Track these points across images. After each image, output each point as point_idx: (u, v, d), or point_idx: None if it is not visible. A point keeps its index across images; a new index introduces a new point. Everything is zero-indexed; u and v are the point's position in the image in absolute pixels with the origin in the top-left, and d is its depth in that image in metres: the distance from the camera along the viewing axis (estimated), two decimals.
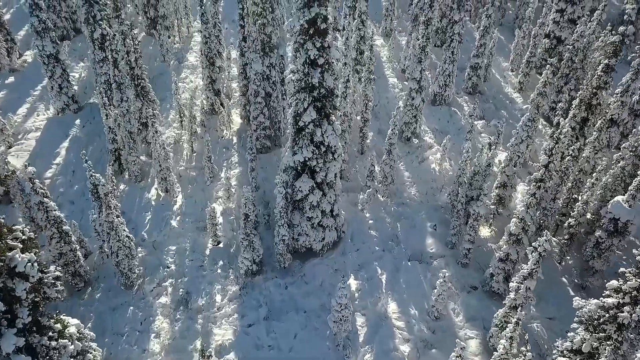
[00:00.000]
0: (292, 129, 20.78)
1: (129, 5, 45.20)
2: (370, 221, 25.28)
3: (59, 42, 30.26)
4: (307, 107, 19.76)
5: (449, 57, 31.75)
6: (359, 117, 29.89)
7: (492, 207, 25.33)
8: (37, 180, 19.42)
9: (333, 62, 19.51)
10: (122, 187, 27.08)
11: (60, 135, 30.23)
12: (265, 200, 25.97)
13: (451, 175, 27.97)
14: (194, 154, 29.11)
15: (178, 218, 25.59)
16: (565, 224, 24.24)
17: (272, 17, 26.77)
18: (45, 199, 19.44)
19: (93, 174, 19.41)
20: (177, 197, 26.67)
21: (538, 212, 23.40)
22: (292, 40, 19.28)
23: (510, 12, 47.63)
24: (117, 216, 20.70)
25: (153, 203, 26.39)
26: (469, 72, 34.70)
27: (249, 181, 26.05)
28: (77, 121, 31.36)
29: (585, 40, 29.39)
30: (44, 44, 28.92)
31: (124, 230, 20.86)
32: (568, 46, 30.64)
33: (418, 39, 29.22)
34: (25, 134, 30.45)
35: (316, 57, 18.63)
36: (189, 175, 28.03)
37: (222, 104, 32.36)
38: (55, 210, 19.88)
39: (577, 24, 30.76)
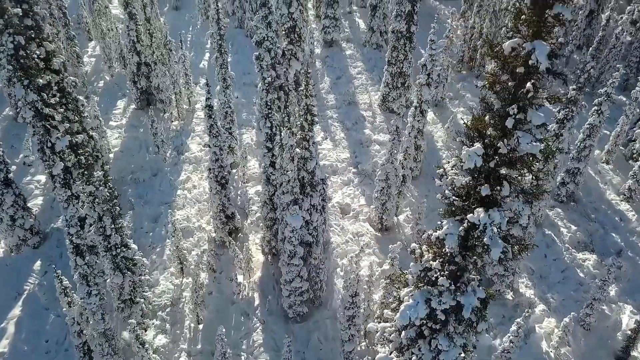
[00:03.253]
0: None
1: (119, 69, 36.56)
2: None
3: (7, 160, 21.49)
4: None
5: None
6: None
7: None
8: None
9: None
10: None
11: (8, 293, 21.48)
12: None
13: None
14: (200, 327, 20.33)
15: None
16: None
17: (313, 143, 18.16)
18: None
19: None
20: None
21: None
22: None
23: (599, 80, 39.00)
24: None
25: None
26: (563, 176, 26.10)
27: None
28: (37, 264, 22.64)
29: None
30: None
31: None
32: None
33: None
34: None
35: None
36: None
37: (236, 231, 23.74)
38: None
39: None
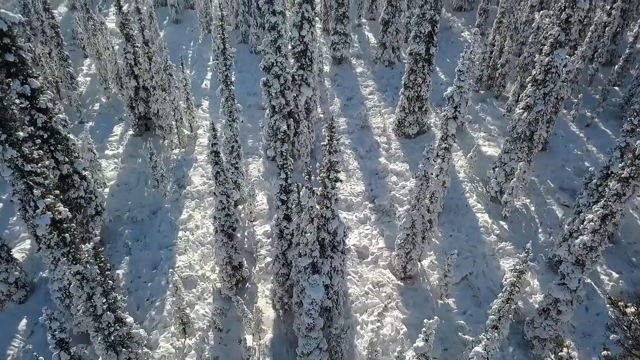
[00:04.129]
0: None
1: (112, 87, 34.29)
2: None
3: None
4: None
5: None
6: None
7: None
8: None
9: None
10: None
11: None
12: None
13: None
14: None
15: None
16: None
17: (336, 201, 15.83)
18: None
19: None
20: None
21: None
22: None
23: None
24: None
25: None
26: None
27: None
28: (23, 323, 20.32)
29: None
30: None
31: None
32: None
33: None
34: None
35: None
36: None
37: (243, 281, 21.42)
38: None
39: None
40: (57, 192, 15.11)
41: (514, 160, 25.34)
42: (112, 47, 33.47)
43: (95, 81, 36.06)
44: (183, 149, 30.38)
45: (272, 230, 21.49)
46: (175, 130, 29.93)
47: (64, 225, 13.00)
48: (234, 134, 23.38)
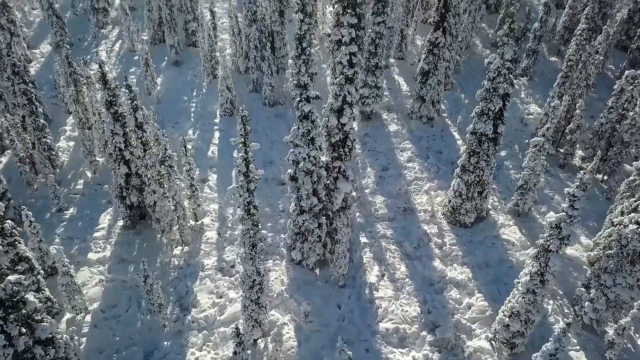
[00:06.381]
0: None
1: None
2: None
3: None
4: None
5: None
6: None
7: None
8: None
9: None
10: None
11: None
12: None
13: None
14: None
15: None
16: None
17: None
18: None
19: None
20: None
21: None
22: None
23: None
24: None
25: None
26: None
27: None
28: None
29: None
30: None
31: None
32: None
33: None
34: None
35: None
36: None
37: None
38: None
39: None
40: None
41: (623, 287, 19.37)
42: (99, 113, 27.46)
43: (80, 146, 29.94)
44: (186, 247, 24.33)
45: None
46: (177, 227, 23.89)
47: None
48: (256, 269, 17.32)
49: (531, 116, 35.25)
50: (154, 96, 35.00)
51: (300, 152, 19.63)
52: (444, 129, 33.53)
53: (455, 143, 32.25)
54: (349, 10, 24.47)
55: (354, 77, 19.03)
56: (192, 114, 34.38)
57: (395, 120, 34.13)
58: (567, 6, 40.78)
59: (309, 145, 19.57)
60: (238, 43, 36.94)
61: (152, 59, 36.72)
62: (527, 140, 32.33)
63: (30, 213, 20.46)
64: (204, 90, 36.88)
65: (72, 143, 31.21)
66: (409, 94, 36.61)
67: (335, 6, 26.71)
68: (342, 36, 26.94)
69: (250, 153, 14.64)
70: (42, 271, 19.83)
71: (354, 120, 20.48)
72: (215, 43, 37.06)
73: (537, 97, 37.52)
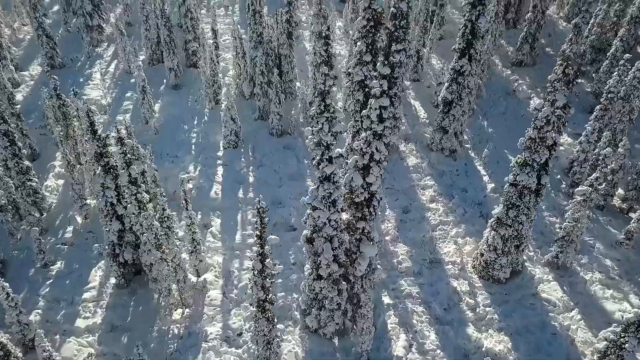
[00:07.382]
0: None
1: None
2: None
3: None
4: None
5: None
6: None
7: None
8: None
9: None
10: None
11: None
12: None
13: None
14: None
15: None
16: None
17: None
18: None
19: None
20: None
21: None
22: None
23: None
24: None
25: None
26: None
27: None
28: None
29: None
30: None
31: None
32: None
33: None
34: None
35: None
36: None
37: None
38: None
39: None
40: None
41: None
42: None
43: (70, 189, 27.14)
44: (187, 310, 21.54)
45: None
46: (176, 291, 21.10)
47: None
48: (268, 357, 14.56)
49: (562, 147, 32.44)
50: (151, 125, 32.23)
51: (319, 217, 16.88)
52: (468, 162, 30.73)
53: (481, 180, 29.43)
54: (380, 59, 21.88)
55: (383, 133, 16.30)
56: (193, 146, 31.57)
57: (414, 152, 31.35)
58: (594, 24, 37.96)
59: (329, 208, 16.82)
60: (242, 66, 34.17)
61: (150, 81, 33.79)
62: (558, 176, 29.63)
63: (7, 284, 17.70)
64: (206, 117, 34.08)
65: (61, 181, 28.42)
66: (427, 121, 33.88)
67: (358, 43, 23.98)
68: (365, 76, 24.51)
69: (267, 247, 11.86)
70: (19, 354, 17.07)
71: (381, 177, 17.76)
72: (218, 64, 34.31)
73: (565, 124, 34.65)
